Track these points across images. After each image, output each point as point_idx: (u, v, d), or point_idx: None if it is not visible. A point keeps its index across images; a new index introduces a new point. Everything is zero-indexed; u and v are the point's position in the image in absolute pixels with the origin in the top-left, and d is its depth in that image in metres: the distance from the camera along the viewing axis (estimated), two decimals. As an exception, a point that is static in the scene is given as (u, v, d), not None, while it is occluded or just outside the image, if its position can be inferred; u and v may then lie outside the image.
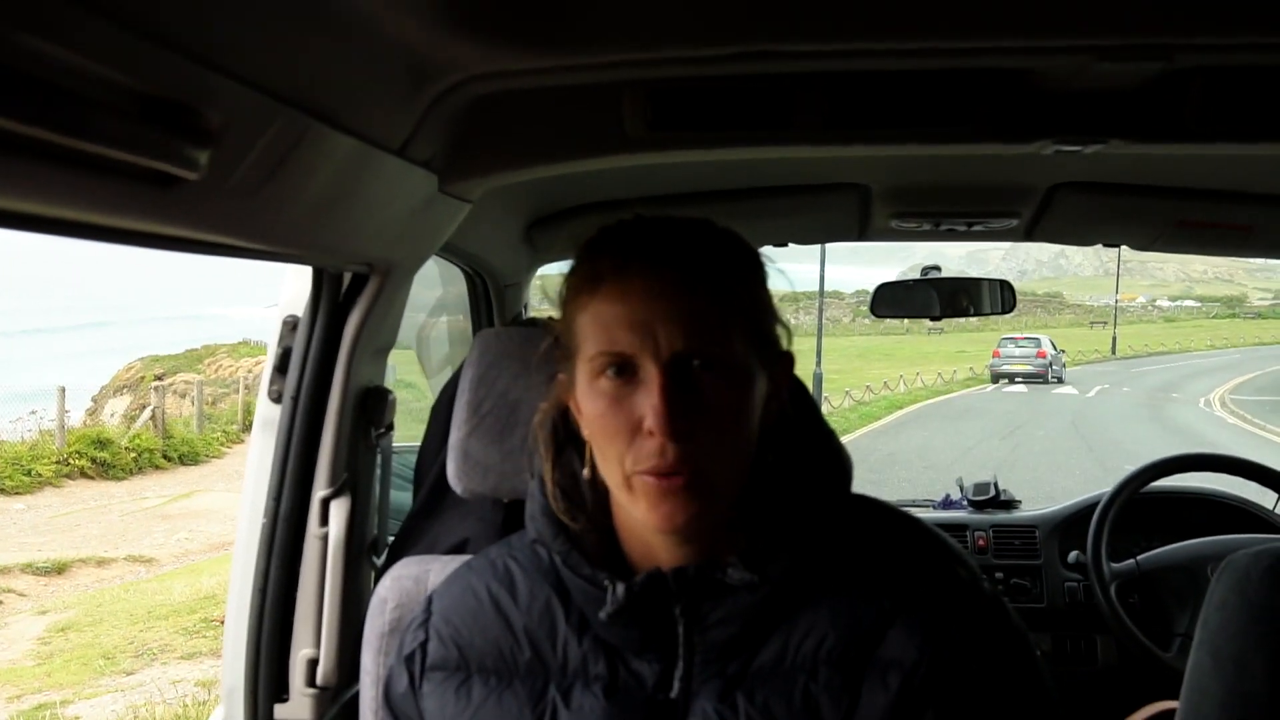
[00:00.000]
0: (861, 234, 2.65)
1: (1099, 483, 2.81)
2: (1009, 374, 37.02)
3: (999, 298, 2.97)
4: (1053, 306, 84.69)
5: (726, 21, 1.19)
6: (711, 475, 1.03)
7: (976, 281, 2.99)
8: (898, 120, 1.48)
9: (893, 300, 3.00)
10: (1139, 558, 2.74)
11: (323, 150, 1.17)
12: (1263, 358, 45.58)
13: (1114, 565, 2.70)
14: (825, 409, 25.28)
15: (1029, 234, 2.58)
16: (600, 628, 1.12)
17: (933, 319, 2.98)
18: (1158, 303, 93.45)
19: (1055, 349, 39.15)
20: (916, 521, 1.20)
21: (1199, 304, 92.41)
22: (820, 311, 27.33)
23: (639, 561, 1.14)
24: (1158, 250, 2.56)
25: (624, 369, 1.03)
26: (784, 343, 1.14)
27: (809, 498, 1.12)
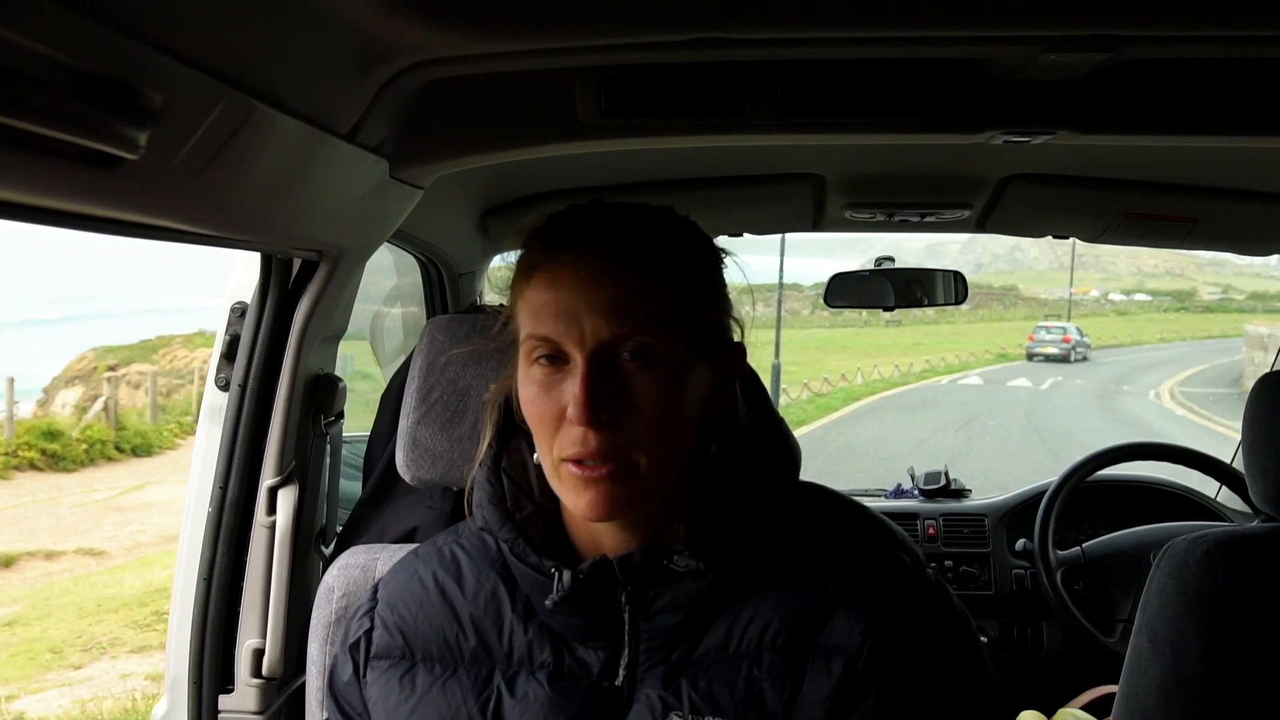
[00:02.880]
0: (816, 224, 2.66)
1: (1052, 473, 2.84)
2: (1042, 354, 43.51)
3: (952, 288, 2.99)
4: (1009, 299, 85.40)
5: (679, 8, 1.18)
6: (639, 465, 1.03)
7: (930, 272, 3.02)
8: (849, 109, 1.49)
9: (848, 291, 3.01)
10: (1084, 545, 2.78)
11: (269, 133, 1.15)
12: (1211, 351, 46.20)
13: (1060, 553, 2.74)
14: (784, 401, 25.45)
15: (981, 225, 2.61)
16: (546, 615, 1.12)
17: (886, 309, 3.00)
18: (1110, 296, 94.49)
19: (1080, 335, 46.43)
20: (862, 509, 1.21)
21: (1150, 297, 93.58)
22: (779, 304, 27.43)
23: (585, 549, 1.14)
24: (1106, 242, 2.59)
25: (555, 357, 1.04)
26: (736, 334, 1.14)
27: (756, 486, 1.13)
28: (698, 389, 1.08)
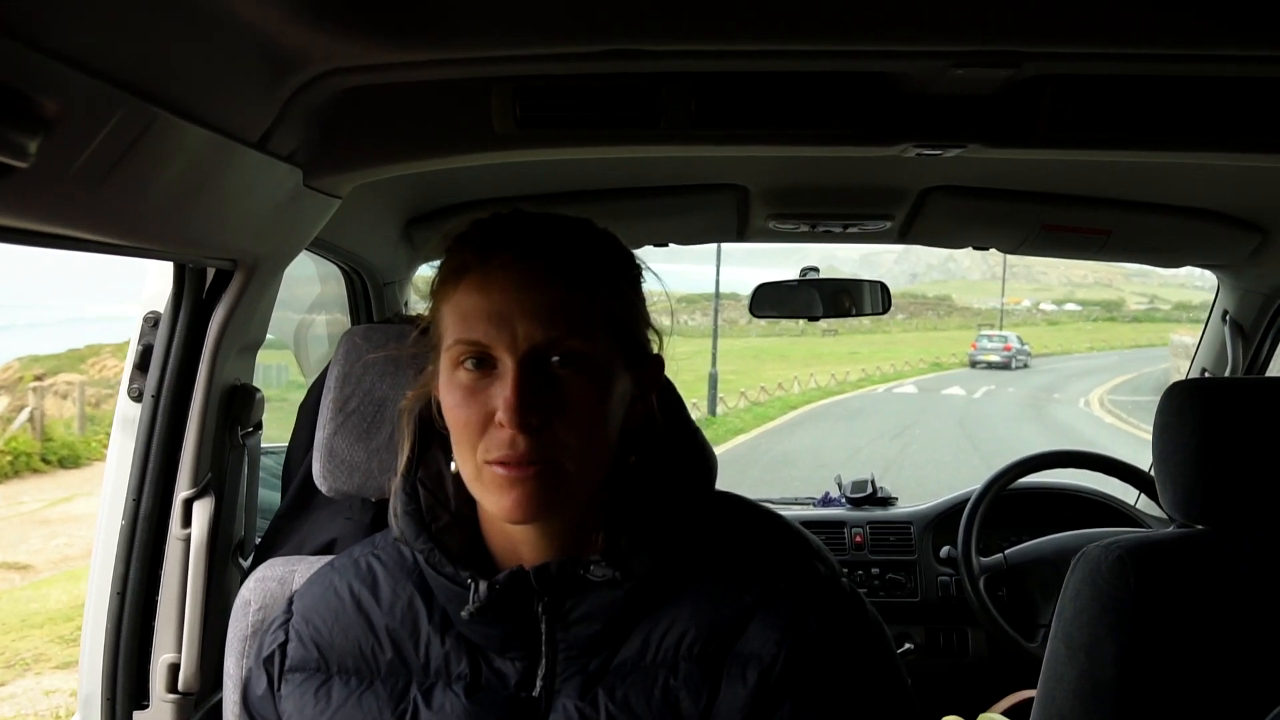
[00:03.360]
0: (741, 234, 2.69)
1: (983, 479, 2.89)
2: (985, 361, 46.15)
3: (878, 298, 3.02)
4: (943, 309, 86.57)
5: (592, 20, 1.19)
6: (565, 469, 1.04)
7: (857, 283, 3.05)
8: (764, 121, 1.51)
9: (775, 301, 3.03)
10: (1006, 552, 2.82)
11: (174, 141, 1.14)
12: (1139, 359, 47.13)
13: (983, 560, 2.78)
14: (721, 409, 25.54)
15: (903, 236, 2.64)
16: (463, 626, 1.12)
17: (812, 318, 3.02)
18: (1041, 306, 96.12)
19: (1021, 343, 49.05)
20: (778, 518, 1.22)
21: (1080, 307, 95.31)
22: (716, 313, 27.58)
23: (502, 559, 1.14)
24: (1025, 253, 2.64)
25: (483, 361, 1.04)
26: (655, 346, 1.15)
27: (673, 496, 1.13)
28: (621, 398, 1.09)
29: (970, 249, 2.77)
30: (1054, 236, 2.48)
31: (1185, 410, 1.57)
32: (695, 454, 1.19)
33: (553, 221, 1.10)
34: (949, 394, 33.70)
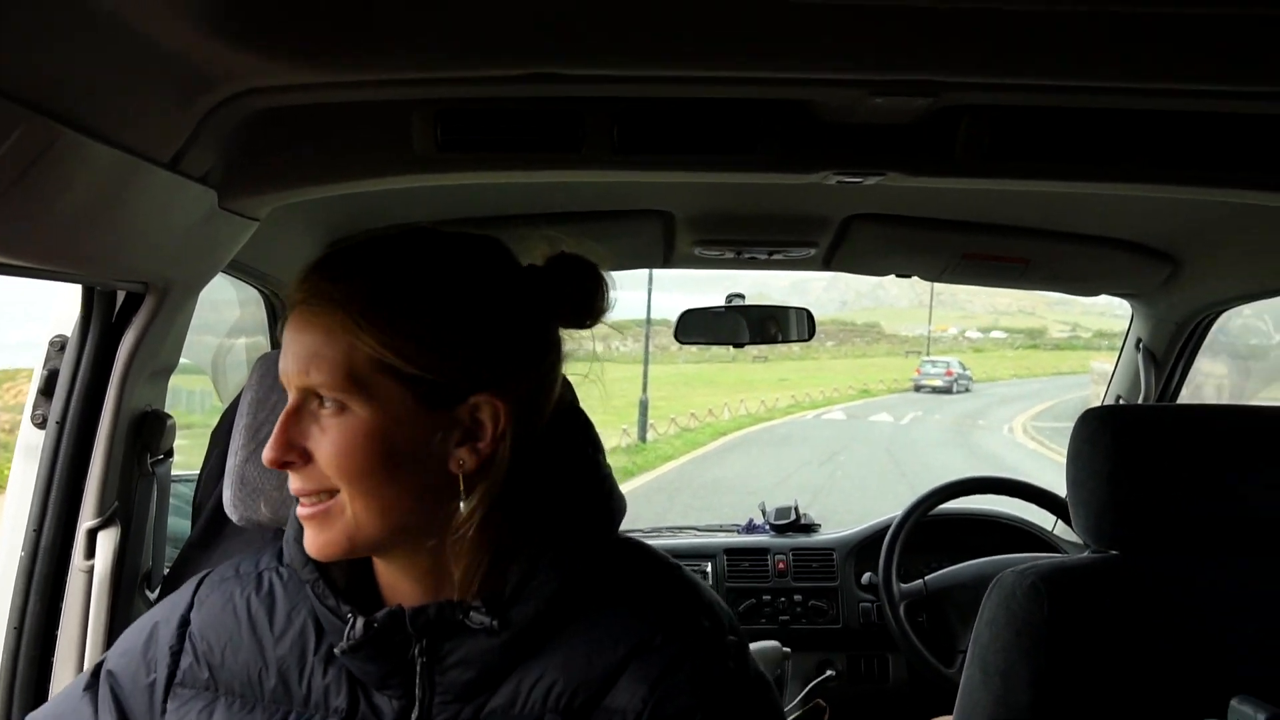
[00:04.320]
0: (666, 261, 2.69)
1: (905, 506, 2.91)
2: (929, 386, 47.99)
3: (803, 325, 3.04)
4: (871, 336, 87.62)
5: (512, 43, 1.18)
6: (346, 511, 1.03)
7: (783, 309, 3.07)
8: (686, 147, 1.51)
9: (701, 327, 3.04)
10: (927, 578, 2.84)
11: (78, 160, 1.10)
12: (1061, 386, 48.03)
13: (903, 586, 2.80)
14: (651, 436, 25.53)
15: (827, 264, 2.66)
16: (344, 659, 1.10)
17: (737, 345, 3.04)
18: (967, 334, 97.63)
19: (962, 368, 51.46)
20: (674, 570, 1.16)
21: (1005, 335, 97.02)
22: (647, 339, 27.63)
23: (389, 595, 1.12)
24: (947, 281, 2.67)
25: None
26: (513, 381, 1.06)
27: (566, 543, 1.09)
28: (423, 443, 1.04)
29: (896, 276, 2.80)
30: (974, 265, 2.52)
31: (1097, 437, 1.59)
32: (597, 499, 1.14)
33: (375, 252, 1.06)
34: (877, 420, 34.03)
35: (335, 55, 1.19)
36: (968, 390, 48.54)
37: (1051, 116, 1.48)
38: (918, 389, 48.13)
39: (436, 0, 1.11)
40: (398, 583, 1.11)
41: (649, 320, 27.45)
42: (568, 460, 1.13)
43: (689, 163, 1.54)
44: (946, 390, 47.40)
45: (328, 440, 1.01)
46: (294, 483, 1.04)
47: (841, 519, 3.35)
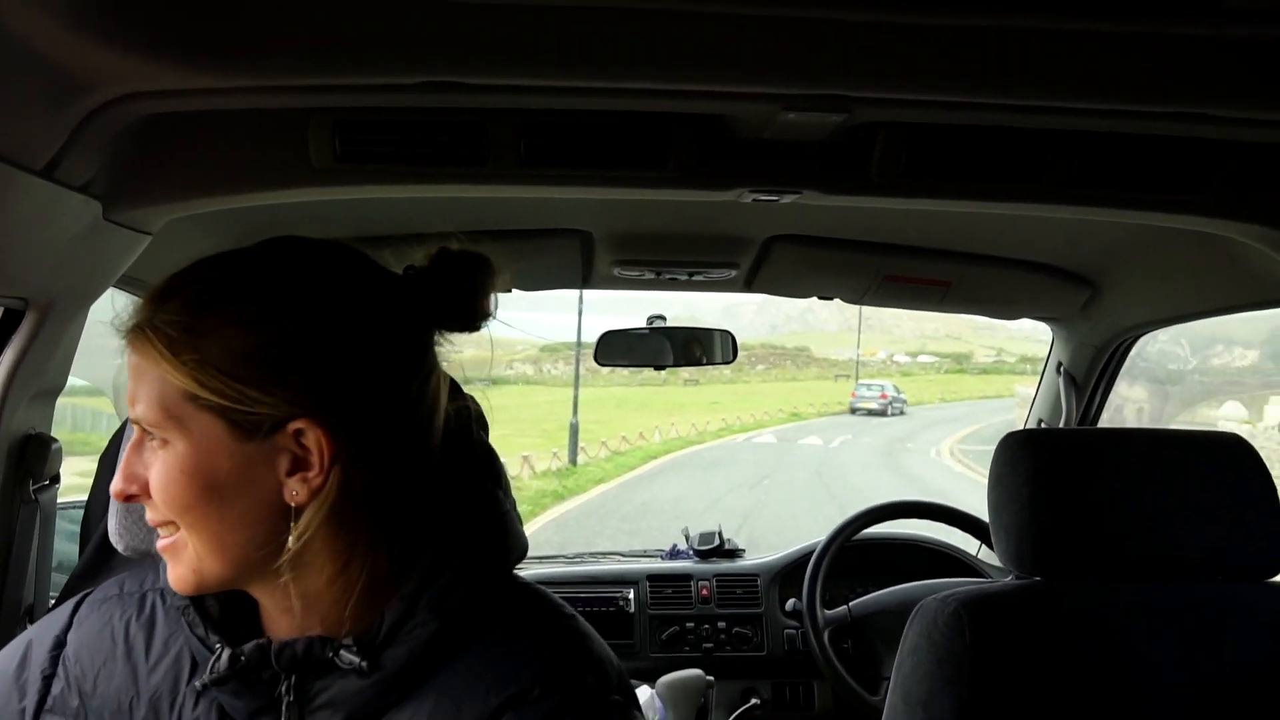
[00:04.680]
0: (585, 281, 2.64)
1: (828, 531, 2.88)
2: (865, 409, 49.15)
3: (727, 347, 3.01)
4: (801, 360, 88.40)
5: (412, 49, 1.12)
6: (188, 548, 0.98)
7: (706, 331, 3.03)
8: (597, 161, 1.46)
9: (624, 349, 2.98)
10: (851, 604, 2.81)
11: None
12: (987, 410, 48.70)
13: (827, 612, 2.76)
14: (582, 458, 25.46)
15: (748, 285, 2.63)
16: (214, 692, 1.03)
17: (659, 368, 2.99)
18: (895, 358, 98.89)
19: (897, 391, 52.73)
20: (568, 621, 1.08)
21: (932, 359, 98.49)
22: (577, 361, 27.57)
23: (268, 627, 1.06)
24: (868, 304, 2.66)
25: None
26: (346, 404, 0.97)
27: (450, 582, 1.01)
28: (239, 475, 0.96)
29: (819, 299, 2.78)
30: (895, 287, 2.50)
31: (1017, 461, 1.58)
32: (491, 537, 1.07)
33: (195, 274, 0.99)
34: (807, 444, 34.27)
35: (223, 59, 1.12)
36: (902, 413, 49.84)
37: (968, 135, 1.46)
38: (853, 411, 49.23)
39: (331, 3, 1.05)
40: (273, 615, 1.04)
41: (579, 343, 27.41)
42: (460, 493, 1.06)
43: (599, 178, 1.49)
44: (881, 413, 48.62)
45: (154, 474, 0.96)
46: (148, 514, 1.00)
47: (772, 542, 3.32)
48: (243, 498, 0.96)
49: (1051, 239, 2.28)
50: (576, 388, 26.49)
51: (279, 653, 0.99)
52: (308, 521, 0.96)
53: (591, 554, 3.35)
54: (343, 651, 0.98)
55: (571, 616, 1.08)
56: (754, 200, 1.56)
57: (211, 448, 0.95)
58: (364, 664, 0.97)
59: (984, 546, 3.12)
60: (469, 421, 1.10)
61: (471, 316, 1.04)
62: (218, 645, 1.01)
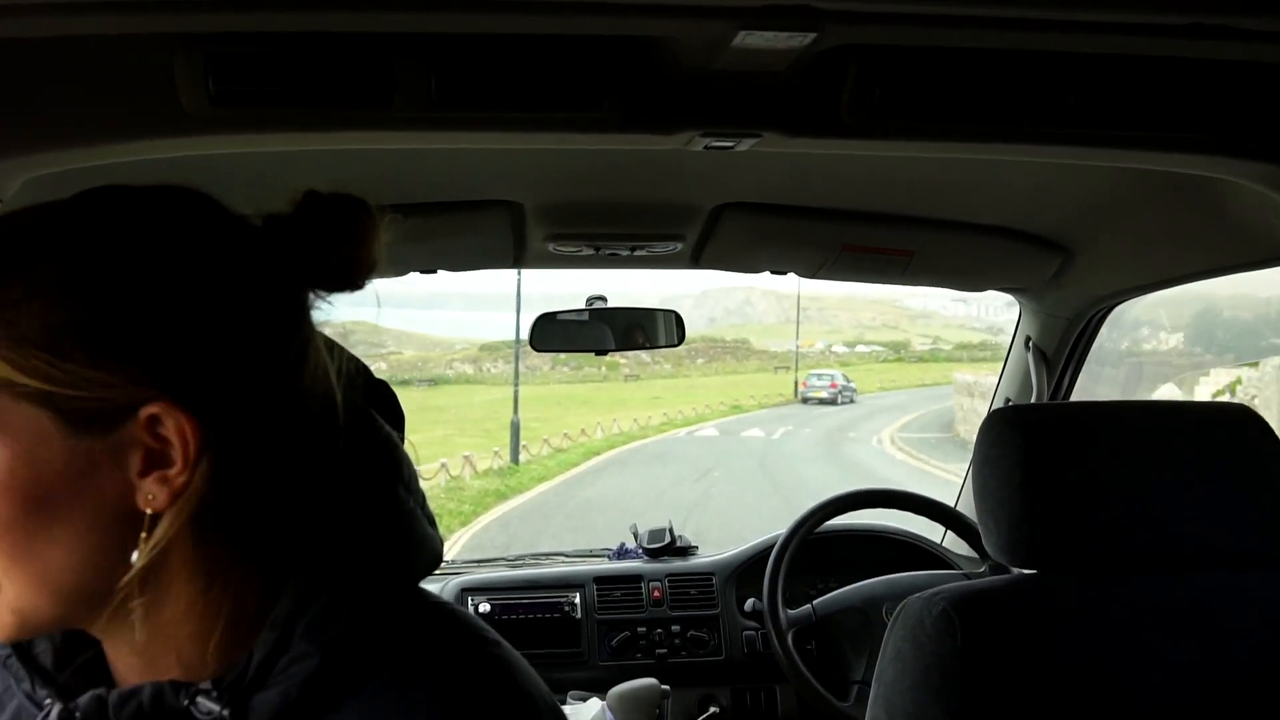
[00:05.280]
0: (518, 260, 2.41)
1: (784, 519, 2.69)
2: (815, 398, 50.00)
3: (672, 329, 2.80)
4: (741, 352, 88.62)
5: None
6: (2, 580, 0.76)
7: (649, 313, 2.82)
8: (520, 102, 1.24)
9: (560, 335, 2.75)
10: (815, 602, 2.62)
11: None
12: (926, 398, 49.36)
13: (790, 612, 2.57)
14: (524, 457, 25.34)
15: (695, 260, 2.43)
16: None
17: (601, 353, 2.78)
18: (834, 348, 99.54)
19: (846, 381, 53.44)
20: (488, 646, 0.84)
21: (869, 349, 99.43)
22: (516, 359, 27.39)
23: (116, 672, 0.84)
24: (825, 277, 2.46)
25: None
26: (210, 382, 0.77)
27: (335, 605, 0.79)
28: (74, 479, 0.75)
29: (771, 273, 2.57)
30: (855, 258, 2.32)
31: (1006, 440, 1.42)
32: (391, 545, 0.85)
33: (24, 222, 0.78)
34: (749, 436, 34.36)
35: None
36: (852, 401, 50.66)
37: (951, 62, 1.26)
38: (804, 401, 50.11)
39: None
40: (120, 658, 0.82)
41: (518, 339, 27.19)
42: (354, 494, 0.84)
43: (524, 121, 1.27)
44: (832, 401, 49.45)
45: None
46: None
47: (718, 537, 3.12)
48: (79, 510, 0.74)
49: (1022, 201, 2.12)
50: (516, 385, 26.33)
51: (120, 705, 0.77)
52: (165, 530, 0.75)
53: (534, 556, 3.13)
54: (200, 699, 0.76)
55: (494, 643, 0.85)
56: (705, 148, 1.35)
57: (36, 448, 0.73)
58: (225, 712, 0.76)
59: (948, 534, 2.96)
60: (360, 398, 0.88)
61: (350, 272, 0.83)
62: (47, 700, 0.80)
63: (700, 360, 79.41)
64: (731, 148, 1.35)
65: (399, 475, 0.87)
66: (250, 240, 0.81)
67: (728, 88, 1.26)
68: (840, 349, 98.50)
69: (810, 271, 2.43)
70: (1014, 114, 1.31)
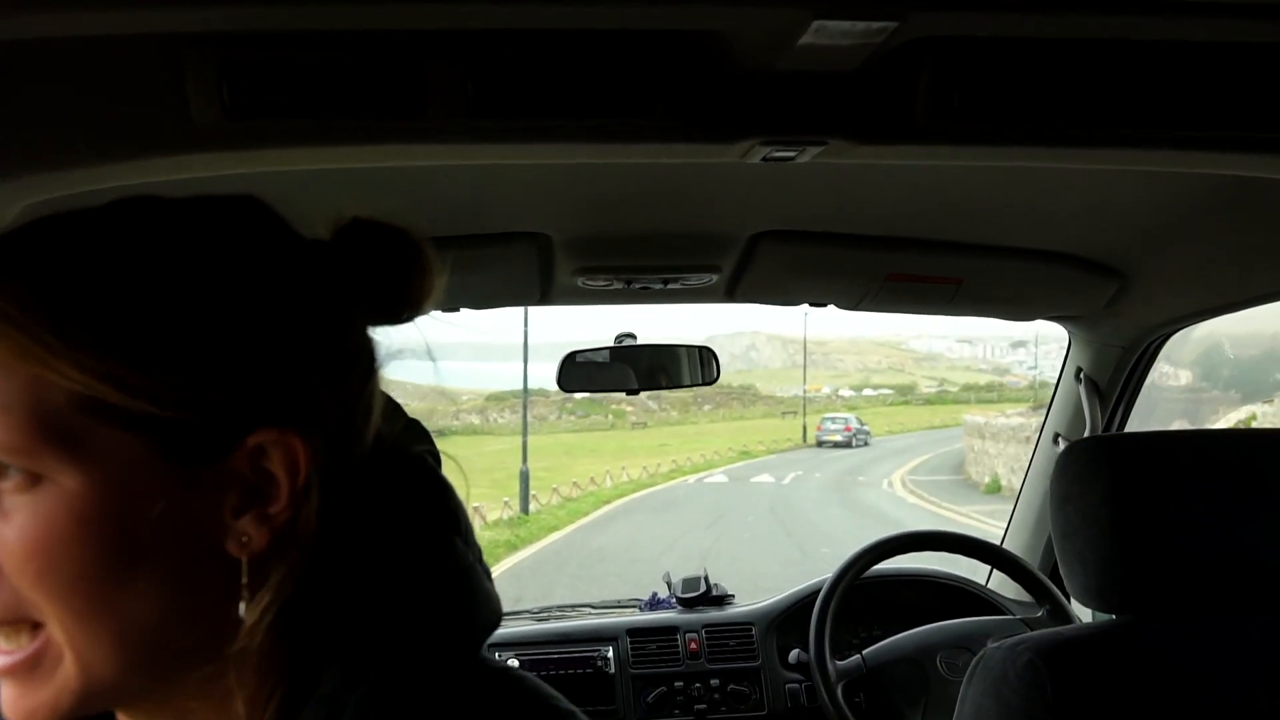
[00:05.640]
0: (545, 295, 2.29)
1: (799, 565, 2.57)
2: (831, 442, 51.28)
3: (709, 365, 2.68)
4: (747, 398, 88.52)
5: None
6: (63, 661, 0.63)
7: (678, 349, 2.71)
8: (564, 109, 1.12)
9: (585, 375, 2.65)
10: (864, 652, 2.48)
11: None
12: (934, 440, 49.27)
13: (839, 663, 2.43)
14: (534, 506, 25.21)
15: (730, 293, 2.31)
16: None
17: (629, 392, 2.65)
18: (840, 392, 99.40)
19: (860, 424, 54.30)
20: (561, 716, 0.74)
21: (876, 392, 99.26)
22: (525, 409, 27.29)
23: None
24: (867, 309, 2.34)
25: None
26: (314, 405, 0.68)
27: (392, 672, 0.67)
28: (171, 519, 0.63)
29: (810, 306, 2.45)
30: (900, 288, 2.20)
31: (1091, 475, 1.31)
32: (451, 604, 0.72)
33: (55, 231, 0.68)
34: (759, 481, 34.21)
35: None
36: (866, 444, 51.46)
37: (1039, 55, 1.14)
38: (820, 444, 51.42)
39: None
40: None
41: (526, 389, 27.12)
42: (407, 541, 0.72)
43: (569, 130, 1.14)
44: (847, 444, 50.67)
45: (13, 534, 0.61)
46: None
47: (732, 582, 2.98)
48: (167, 557, 0.63)
49: (1075, 225, 2.01)
50: (525, 435, 26.17)
51: None
52: (280, 579, 0.65)
53: (559, 608, 2.98)
54: None
55: (570, 713, 0.73)
56: (764, 159, 1.23)
57: (126, 482, 0.62)
58: None
59: (993, 576, 2.82)
60: (418, 439, 0.77)
61: (407, 302, 0.74)
62: None
63: (707, 406, 79.34)
64: (793, 158, 1.23)
65: (456, 527, 0.76)
66: (314, 261, 0.72)
67: (791, 90, 1.15)
68: (847, 393, 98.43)
69: (852, 303, 2.31)
70: (1107, 114, 1.17)
